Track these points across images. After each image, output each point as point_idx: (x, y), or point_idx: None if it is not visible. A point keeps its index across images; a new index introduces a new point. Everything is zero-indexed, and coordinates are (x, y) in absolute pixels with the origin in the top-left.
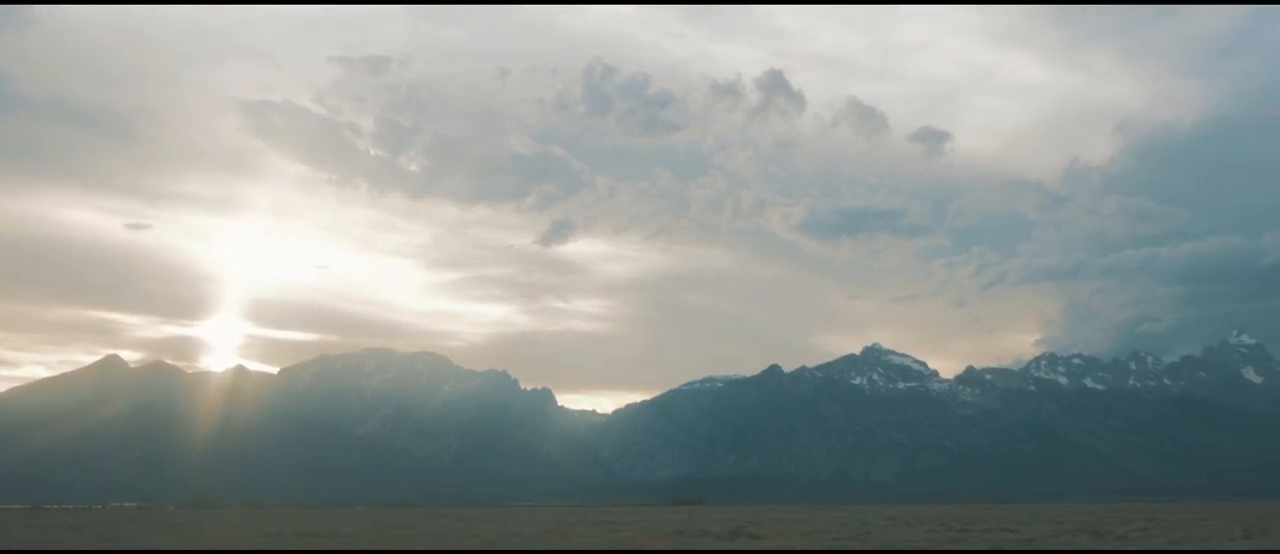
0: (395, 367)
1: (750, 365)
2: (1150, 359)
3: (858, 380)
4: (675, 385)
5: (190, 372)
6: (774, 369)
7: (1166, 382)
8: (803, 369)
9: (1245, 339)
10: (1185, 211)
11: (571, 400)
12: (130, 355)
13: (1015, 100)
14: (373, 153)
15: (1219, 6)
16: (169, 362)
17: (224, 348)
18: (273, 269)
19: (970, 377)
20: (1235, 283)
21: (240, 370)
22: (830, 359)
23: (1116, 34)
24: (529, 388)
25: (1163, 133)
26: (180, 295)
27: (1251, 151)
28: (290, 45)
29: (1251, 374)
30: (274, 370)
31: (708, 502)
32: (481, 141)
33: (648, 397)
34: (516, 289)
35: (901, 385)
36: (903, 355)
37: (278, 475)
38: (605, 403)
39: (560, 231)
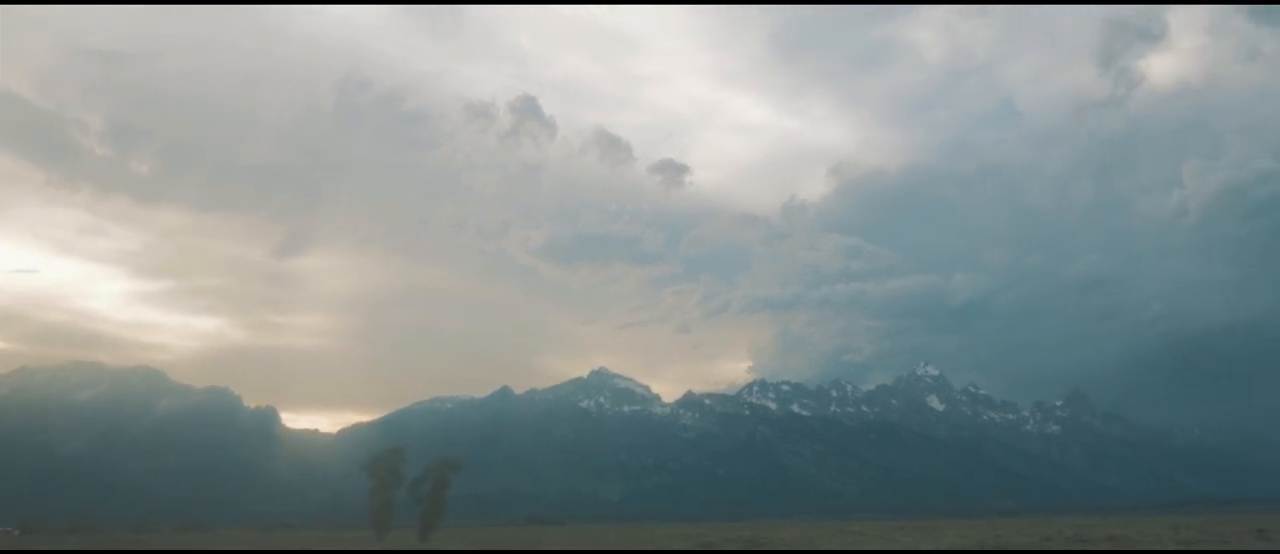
0: (105, 381)
1: (481, 387)
2: (850, 387)
3: (586, 403)
4: (403, 405)
5: None
6: (504, 391)
7: (863, 408)
8: (533, 391)
9: (930, 370)
10: (890, 251)
11: (293, 420)
12: None
13: (741, 138)
14: (99, 152)
15: (916, 64)
16: None
17: None
18: None
19: (690, 401)
20: (926, 318)
21: None
22: (559, 382)
23: (831, 82)
24: (253, 405)
25: (871, 177)
26: None
27: (945, 198)
28: (14, 31)
29: (934, 402)
30: None
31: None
32: (221, 148)
33: (374, 416)
34: (231, 301)
35: (626, 409)
36: (628, 379)
37: None
38: (326, 423)
39: (295, 244)
